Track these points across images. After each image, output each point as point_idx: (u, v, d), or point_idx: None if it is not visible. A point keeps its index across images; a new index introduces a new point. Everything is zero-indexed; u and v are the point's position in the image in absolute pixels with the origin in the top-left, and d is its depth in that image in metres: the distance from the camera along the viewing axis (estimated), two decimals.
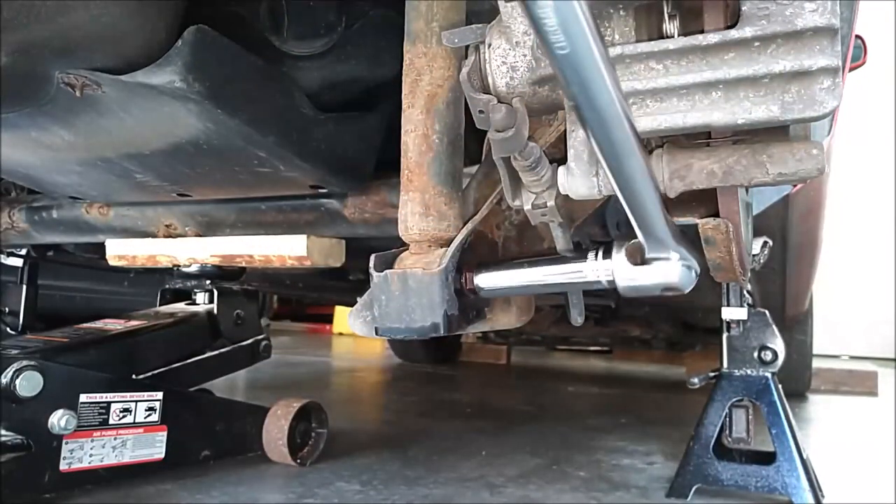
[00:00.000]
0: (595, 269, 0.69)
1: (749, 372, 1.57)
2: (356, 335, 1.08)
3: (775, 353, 1.57)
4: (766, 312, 1.63)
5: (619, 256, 0.72)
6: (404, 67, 0.78)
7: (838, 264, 5.28)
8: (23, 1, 0.86)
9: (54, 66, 0.99)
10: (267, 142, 1.16)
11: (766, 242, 1.58)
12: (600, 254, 0.74)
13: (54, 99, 1.01)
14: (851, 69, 2.19)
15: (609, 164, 0.51)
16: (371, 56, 1.22)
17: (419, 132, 0.76)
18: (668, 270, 0.66)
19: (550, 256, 0.81)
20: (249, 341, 1.85)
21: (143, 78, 0.98)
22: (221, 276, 1.77)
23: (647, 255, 0.66)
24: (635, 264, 0.69)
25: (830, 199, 2.33)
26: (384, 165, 1.37)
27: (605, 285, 0.70)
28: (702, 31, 0.50)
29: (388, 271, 0.74)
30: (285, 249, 1.42)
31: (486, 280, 0.74)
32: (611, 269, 0.69)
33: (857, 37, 2.43)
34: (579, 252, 0.78)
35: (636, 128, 0.51)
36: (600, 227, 1.32)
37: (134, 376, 1.46)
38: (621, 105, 0.46)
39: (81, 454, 1.30)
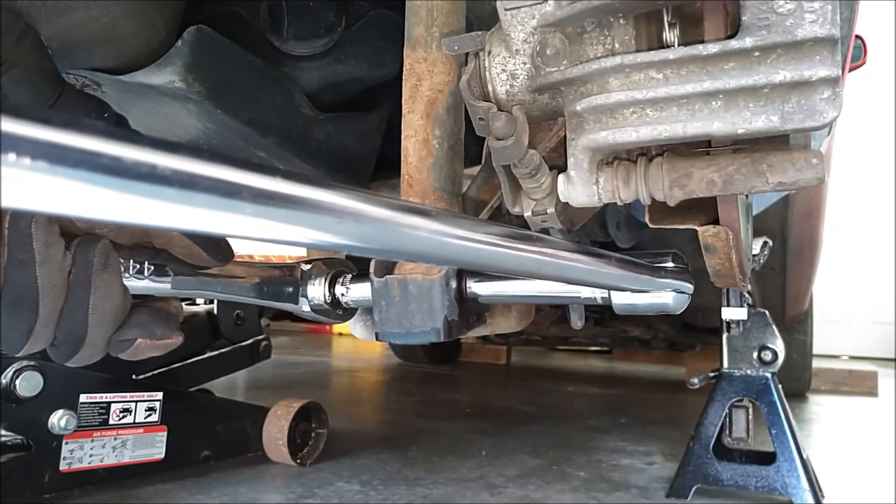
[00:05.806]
0: (591, 288, 0.69)
1: (749, 372, 1.57)
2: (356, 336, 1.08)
3: (775, 353, 1.57)
4: (766, 312, 1.62)
5: None
6: (404, 72, 0.78)
7: (838, 264, 5.28)
8: (23, 1, 0.86)
9: None
10: (267, 142, 1.16)
11: (766, 243, 1.58)
12: None
13: None
14: (851, 69, 2.19)
15: None
16: (371, 56, 1.22)
17: (419, 137, 0.76)
18: (662, 295, 0.68)
19: None
20: (249, 341, 1.85)
21: (143, 78, 0.98)
22: None
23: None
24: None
25: (830, 199, 2.32)
26: (384, 165, 1.36)
27: (599, 303, 0.71)
28: (702, 41, 0.50)
29: (388, 276, 0.73)
30: (285, 250, 1.42)
31: (483, 288, 0.74)
32: (607, 290, 0.69)
33: (857, 37, 2.43)
34: None
35: (637, 136, 0.52)
36: (600, 227, 1.32)
37: (134, 376, 1.46)
38: None
39: (81, 454, 1.30)
